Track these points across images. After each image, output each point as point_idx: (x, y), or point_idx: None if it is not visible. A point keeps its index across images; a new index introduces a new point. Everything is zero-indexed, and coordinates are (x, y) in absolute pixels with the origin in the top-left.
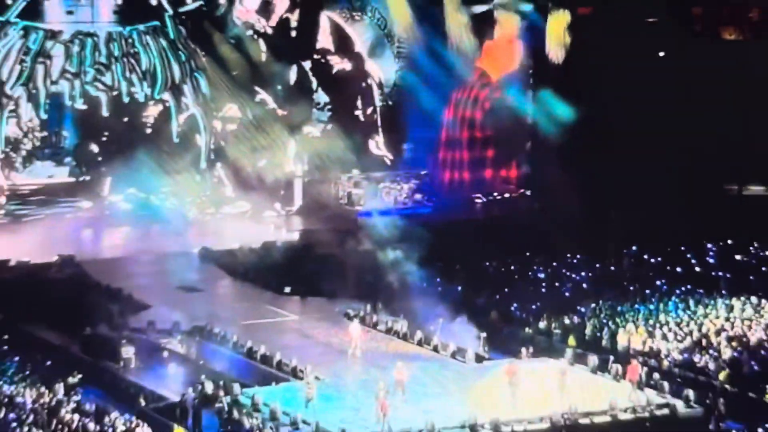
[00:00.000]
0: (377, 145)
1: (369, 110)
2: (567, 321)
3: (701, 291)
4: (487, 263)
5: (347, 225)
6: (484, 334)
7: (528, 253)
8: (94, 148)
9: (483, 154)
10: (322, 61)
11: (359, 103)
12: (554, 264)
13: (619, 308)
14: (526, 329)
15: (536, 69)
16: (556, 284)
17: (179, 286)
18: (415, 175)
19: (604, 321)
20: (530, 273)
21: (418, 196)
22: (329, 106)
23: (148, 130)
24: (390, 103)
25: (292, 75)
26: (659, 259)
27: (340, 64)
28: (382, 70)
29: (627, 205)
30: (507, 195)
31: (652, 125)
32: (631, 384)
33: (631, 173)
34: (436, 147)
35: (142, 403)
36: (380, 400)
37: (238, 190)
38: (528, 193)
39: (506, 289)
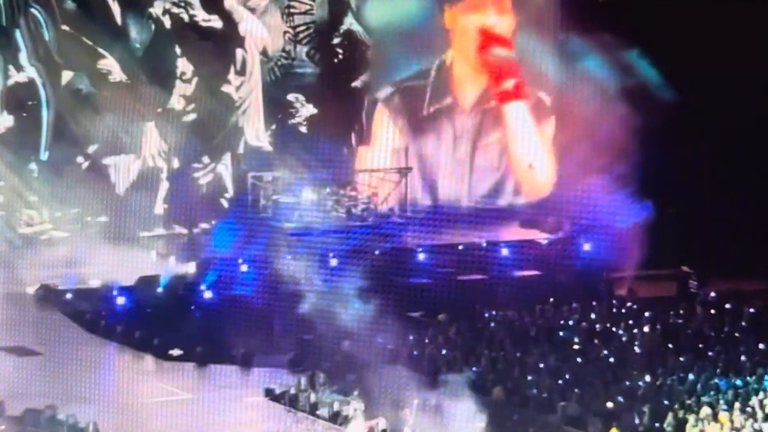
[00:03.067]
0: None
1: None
2: (609, 403)
3: None
4: (489, 312)
5: (274, 250)
6: (482, 423)
7: (552, 299)
8: None
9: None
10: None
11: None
12: (592, 315)
13: (689, 383)
14: (548, 415)
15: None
16: (595, 347)
17: (4, 346)
18: (382, 174)
19: (667, 403)
20: (555, 328)
21: (384, 208)
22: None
23: None
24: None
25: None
26: (750, 308)
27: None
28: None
29: (702, 219)
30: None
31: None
32: None
33: (709, 171)
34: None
35: None
36: None
37: (98, 194)
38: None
39: (517, 354)
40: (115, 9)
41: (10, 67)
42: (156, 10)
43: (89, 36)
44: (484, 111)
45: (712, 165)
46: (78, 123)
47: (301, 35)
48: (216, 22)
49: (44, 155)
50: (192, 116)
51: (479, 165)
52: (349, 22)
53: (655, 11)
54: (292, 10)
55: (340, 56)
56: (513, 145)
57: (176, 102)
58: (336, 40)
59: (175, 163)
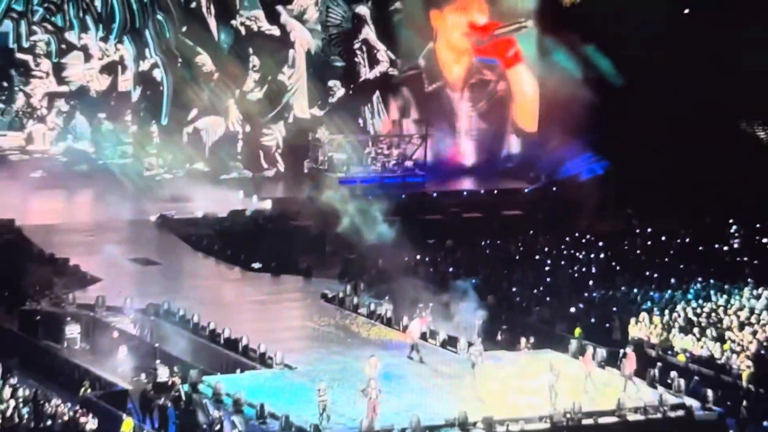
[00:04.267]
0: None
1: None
2: (573, 309)
3: (725, 279)
4: (484, 241)
5: (327, 193)
6: (479, 321)
7: (531, 231)
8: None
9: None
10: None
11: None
12: (561, 245)
13: (632, 295)
14: (527, 317)
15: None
16: (562, 267)
17: (133, 258)
18: (407, 139)
19: (615, 310)
20: (533, 254)
21: (408, 164)
22: None
23: (103, 78)
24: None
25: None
26: (678, 240)
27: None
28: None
29: (642, 173)
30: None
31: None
32: (627, 376)
33: (648, 137)
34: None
35: (88, 390)
36: (372, 400)
37: (205, 150)
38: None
39: (505, 271)
40: (211, 21)
41: (143, 54)
42: (236, 22)
43: (194, 38)
44: (471, 86)
45: (650, 134)
46: (185, 98)
47: (334, 40)
48: (275, 31)
49: (164, 120)
50: (259, 95)
51: (474, 130)
52: (366, 32)
53: (607, 14)
54: (328, 23)
55: (360, 55)
56: (520, 100)
57: (248, 85)
58: (356, 45)
59: (247, 128)
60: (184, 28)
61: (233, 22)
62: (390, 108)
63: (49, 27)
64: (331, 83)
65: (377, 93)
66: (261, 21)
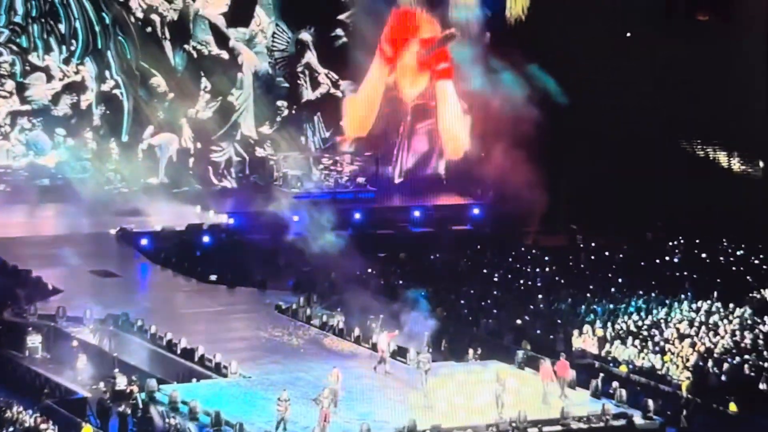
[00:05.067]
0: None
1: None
2: (519, 321)
3: (665, 292)
4: (434, 255)
5: (282, 208)
6: (427, 332)
7: (479, 246)
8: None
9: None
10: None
11: None
12: (509, 258)
13: (575, 308)
14: (475, 328)
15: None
16: (509, 280)
17: (93, 270)
18: (359, 156)
19: (559, 322)
20: (482, 267)
21: (360, 180)
22: None
23: (66, 97)
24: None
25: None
26: (620, 255)
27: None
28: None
29: (586, 189)
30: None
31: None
32: (561, 381)
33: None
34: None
35: (48, 397)
36: (323, 410)
37: (160, 166)
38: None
39: (455, 284)
40: (166, 45)
41: (104, 76)
42: (189, 47)
43: (150, 61)
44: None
45: (592, 150)
46: (142, 117)
47: (279, 64)
48: (224, 55)
49: (125, 137)
50: (209, 114)
51: (420, 146)
52: (308, 57)
53: (550, 34)
54: (273, 48)
55: (302, 78)
56: (442, 116)
57: (200, 105)
58: (299, 69)
59: (198, 145)
60: (141, 51)
61: (186, 46)
62: (334, 126)
63: (14, 48)
64: (279, 103)
65: (318, 113)
66: (211, 45)
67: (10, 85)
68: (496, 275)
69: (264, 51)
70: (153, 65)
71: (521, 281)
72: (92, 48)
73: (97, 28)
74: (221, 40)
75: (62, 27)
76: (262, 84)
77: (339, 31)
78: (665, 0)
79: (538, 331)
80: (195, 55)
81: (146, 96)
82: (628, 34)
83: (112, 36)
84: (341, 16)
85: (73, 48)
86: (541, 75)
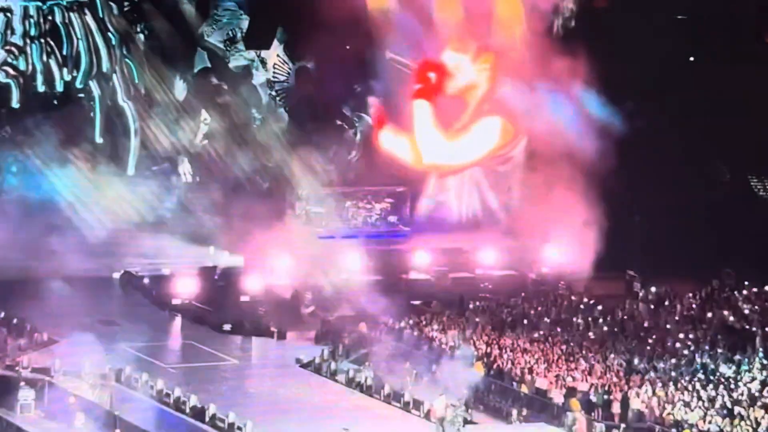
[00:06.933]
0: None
1: None
2: (570, 378)
3: (734, 347)
4: (474, 303)
5: (305, 249)
6: (467, 392)
7: (523, 293)
8: None
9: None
10: None
11: None
12: (554, 308)
13: (633, 364)
14: (521, 386)
15: None
16: (558, 332)
17: (93, 317)
18: (390, 192)
19: (615, 380)
20: (524, 317)
21: (392, 219)
22: None
23: (67, 126)
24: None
25: None
26: (683, 305)
27: None
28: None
29: (645, 231)
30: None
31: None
32: None
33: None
34: None
35: None
36: None
37: (172, 202)
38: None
39: (497, 336)
40: (169, 74)
41: (109, 102)
42: (189, 76)
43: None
44: None
45: (652, 188)
46: (149, 147)
47: (279, 97)
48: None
49: (131, 170)
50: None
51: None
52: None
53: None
54: (274, 81)
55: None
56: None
57: (199, 137)
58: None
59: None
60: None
61: (187, 75)
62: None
63: (11, 71)
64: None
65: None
66: (212, 76)
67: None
68: (541, 327)
69: (266, 84)
70: (156, 93)
71: (571, 334)
72: (97, 70)
73: (102, 51)
74: (222, 71)
75: (64, 48)
76: (266, 115)
77: None
78: (731, 22)
79: (590, 391)
80: (196, 85)
81: (153, 125)
82: (692, 59)
83: (118, 58)
84: None
85: (76, 70)
86: (600, 103)
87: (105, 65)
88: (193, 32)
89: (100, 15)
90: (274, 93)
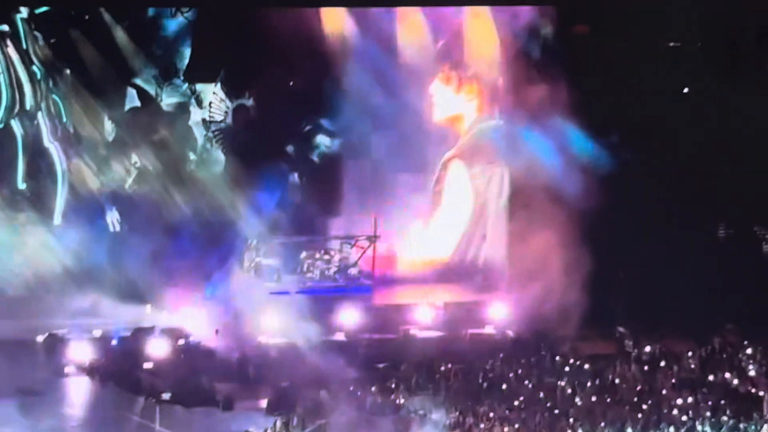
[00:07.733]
0: None
1: None
2: None
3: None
4: (445, 365)
5: (255, 306)
6: None
7: (501, 354)
8: None
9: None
10: None
11: None
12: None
13: None
14: None
15: None
16: (540, 398)
17: (11, 386)
18: (351, 241)
19: None
20: (502, 380)
21: (353, 271)
22: None
23: None
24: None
25: None
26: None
27: None
28: None
29: (637, 283)
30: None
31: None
32: None
33: (645, 234)
34: None
35: None
36: None
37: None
38: None
39: (469, 403)
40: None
41: (33, 143)
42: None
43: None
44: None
45: (642, 238)
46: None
47: (216, 137)
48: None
49: (58, 219)
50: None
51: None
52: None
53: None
54: (210, 121)
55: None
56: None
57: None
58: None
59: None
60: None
61: (116, 114)
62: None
63: None
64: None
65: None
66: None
67: None
68: (521, 392)
69: (200, 122)
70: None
71: (555, 399)
72: (19, 108)
73: (26, 87)
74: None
75: None
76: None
77: None
78: (730, 50)
79: None
80: (126, 128)
81: (81, 169)
82: (686, 90)
83: (44, 94)
84: None
85: None
86: (582, 139)
87: (29, 102)
88: (126, 65)
89: (24, 46)
90: (211, 134)
